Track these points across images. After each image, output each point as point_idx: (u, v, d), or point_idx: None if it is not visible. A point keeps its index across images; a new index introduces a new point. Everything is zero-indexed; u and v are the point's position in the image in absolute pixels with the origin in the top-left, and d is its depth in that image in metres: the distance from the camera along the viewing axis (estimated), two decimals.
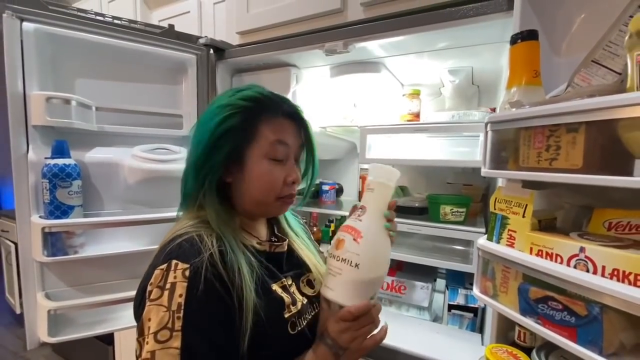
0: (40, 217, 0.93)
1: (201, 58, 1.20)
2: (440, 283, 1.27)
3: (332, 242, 0.55)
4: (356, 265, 0.50)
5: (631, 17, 0.48)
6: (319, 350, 0.54)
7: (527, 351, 0.63)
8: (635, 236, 0.50)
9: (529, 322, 0.51)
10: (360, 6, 1.09)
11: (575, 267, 0.46)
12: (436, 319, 1.23)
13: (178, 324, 0.44)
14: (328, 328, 0.54)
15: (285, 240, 0.66)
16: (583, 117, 0.42)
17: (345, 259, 0.51)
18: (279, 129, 0.57)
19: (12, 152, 0.91)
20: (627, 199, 0.54)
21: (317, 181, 1.67)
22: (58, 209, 0.91)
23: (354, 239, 0.51)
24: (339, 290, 0.52)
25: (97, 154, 1.04)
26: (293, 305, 0.57)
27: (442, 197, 1.16)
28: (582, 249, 0.45)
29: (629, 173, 0.41)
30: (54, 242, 0.91)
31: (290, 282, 0.61)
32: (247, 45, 1.26)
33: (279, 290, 0.57)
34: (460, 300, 1.17)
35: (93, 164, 1.03)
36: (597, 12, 0.61)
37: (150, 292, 0.47)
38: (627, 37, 0.41)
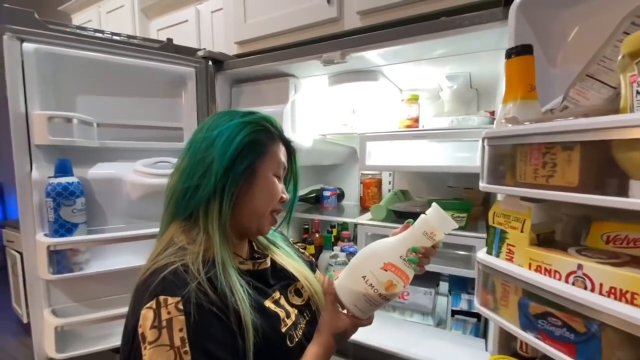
0: (45, 235, 0.94)
1: (200, 71, 1.21)
2: (444, 286, 1.27)
3: (383, 279, 0.54)
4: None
5: (625, 33, 0.48)
6: (327, 342, 0.57)
7: None
8: (632, 250, 0.50)
9: (529, 337, 0.51)
10: (357, 15, 1.10)
11: (573, 284, 0.46)
12: (440, 322, 1.23)
13: (187, 359, 0.44)
14: (347, 331, 0.58)
15: (267, 255, 0.68)
16: (577, 136, 0.43)
17: (389, 299, 0.55)
18: (281, 151, 0.64)
19: (16, 172, 0.92)
20: (626, 211, 0.55)
21: (318, 187, 1.68)
22: (63, 227, 0.92)
23: (404, 285, 0.55)
24: (370, 314, 0.59)
25: (99, 170, 1.05)
26: (288, 318, 0.59)
27: (443, 203, 1.16)
28: (579, 266, 0.46)
29: (625, 192, 0.41)
30: (59, 259, 0.93)
31: (278, 295, 0.62)
32: (245, 56, 1.27)
33: (272, 306, 0.59)
34: (463, 305, 1.17)
35: (96, 180, 1.04)
36: (591, 25, 0.61)
37: (144, 334, 0.45)
38: (619, 58, 0.41)
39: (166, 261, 0.51)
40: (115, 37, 1.09)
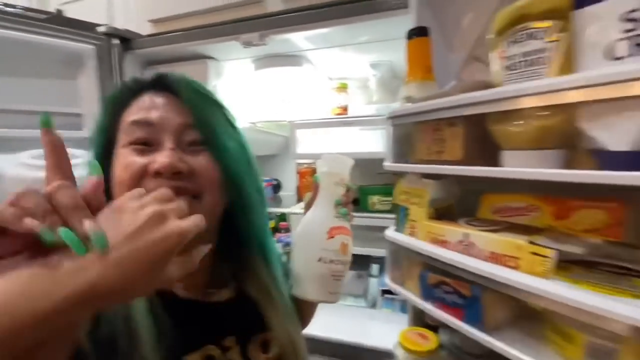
0: None
1: (102, 49, 1.06)
2: (375, 268, 1.32)
3: (335, 246, 0.49)
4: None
5: None
6: None
7: (437, 329, 0.68)
8: (513, 218, 0.55)
9: (428, 307, 0.54)
10: None
11: (461, 252, 0.49)
12: (374, 303, 1.27)
13: None
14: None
15: (227, 285, 0.48)
16: (456, 112, 0.45)
17: (349, 261, 0.50)
18: (139, 106, 0.42)
19: None
20: (505, 181, 0.59)
21: None
22: None
23: (351, 238, 0.51)
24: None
25: None
26: None
27: (369, 188, 1.20)
28: (466, 235, 0.49)
29: (500, 163, 0.45)
30: None
31: (230, 343, 0.43)
32: (160, 35, 1.16)
33: None
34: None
35: None
36: (482, 11, 0.65)
37: None
38: (488, 37, 0.44)
39: None
40: None
